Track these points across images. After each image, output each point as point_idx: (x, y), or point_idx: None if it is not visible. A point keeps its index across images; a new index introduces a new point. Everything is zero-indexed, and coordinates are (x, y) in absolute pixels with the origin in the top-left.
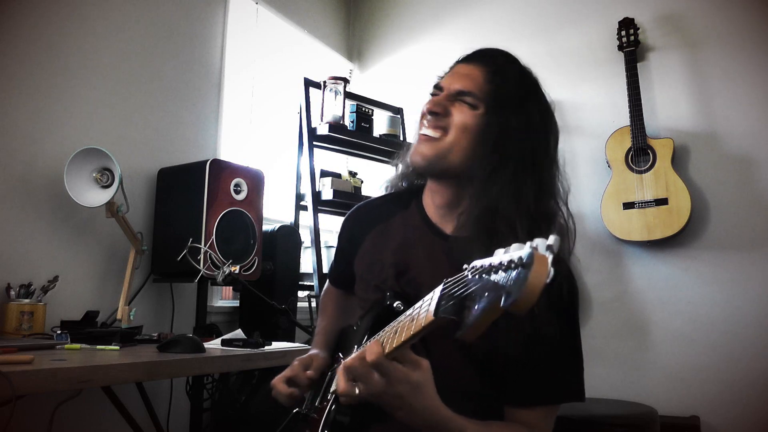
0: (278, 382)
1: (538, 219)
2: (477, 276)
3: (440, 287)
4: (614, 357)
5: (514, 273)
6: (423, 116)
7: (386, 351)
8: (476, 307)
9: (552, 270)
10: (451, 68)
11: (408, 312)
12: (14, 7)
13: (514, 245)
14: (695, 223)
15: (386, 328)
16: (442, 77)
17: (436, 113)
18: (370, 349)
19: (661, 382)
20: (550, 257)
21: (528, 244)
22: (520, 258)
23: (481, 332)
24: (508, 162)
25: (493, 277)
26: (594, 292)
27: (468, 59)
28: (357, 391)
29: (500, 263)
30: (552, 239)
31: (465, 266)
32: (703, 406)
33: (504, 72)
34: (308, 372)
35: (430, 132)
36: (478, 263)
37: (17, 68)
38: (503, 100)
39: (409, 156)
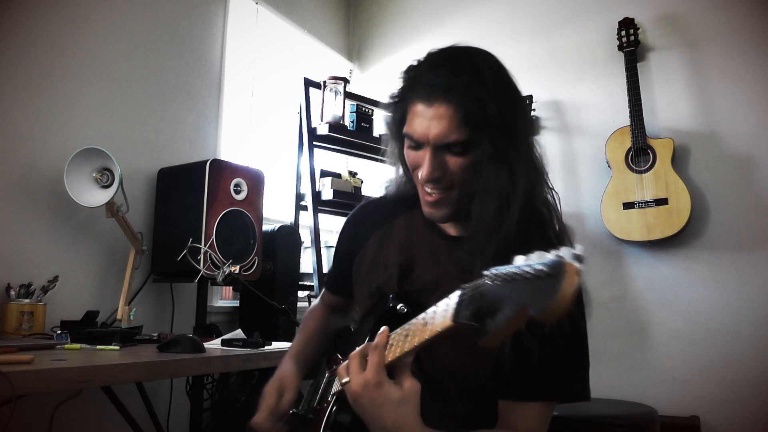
0: (263, 421)
1: (540, 207)
2: (498, 282)
3: (458, 292)
4: (614, 357)
5: (542, 283)
6: (422, 183)
7: (398, 354)
8: (500, 315)
9: (580, 279)
10: (410, 106)
11: (420, 316)
12: (14, 7)
13: (536, 253)
14: (695, 223)
15: (396, 331)
16: (396, 110)
17: (436, 179)
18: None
19: (661, 382)
20: (578, 266)
21: (553, 252)
22: (550, 267)
23: (503, 339)
24: (509, 169)
25: (516, 285)
26: (594, 292)
27: (427, 98)
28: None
29: (525, 272)
30: (579, 248)
31: (485, 272)
32: (703, 406)
33: (477, 98)
34: (285, 395)
35: (436, 195)
36: (500, 270)
37: (17, 68)
38: (487, 130)
39: (423, 207)
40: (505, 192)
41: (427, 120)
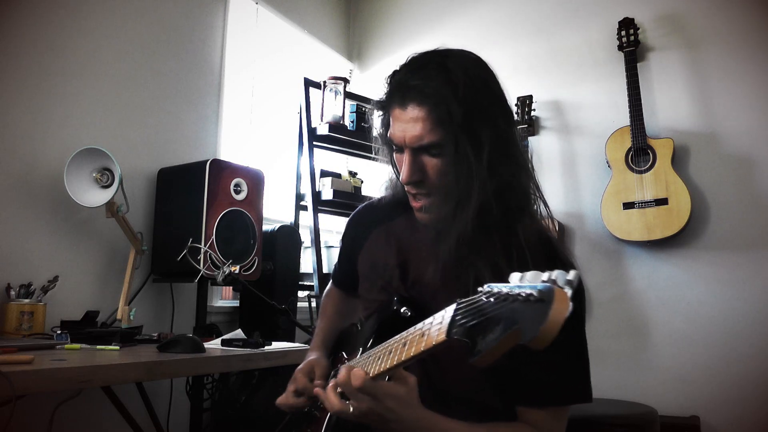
0: (288, 397)
1: (523, 205)
2: (491, 300)
3: (453, 306)
4: (614, 357)
5: (533, 307)
6: (404, 179)
7: (396, 363)
8: (491, 336)
9: (571, 305)
10: (391, 110)
11: (419, 325)
12: (14, 7)
13: (530, 273)
14: (695, 223)
15: (395, 338)
16: (382, 115)
17: (416, 181)
18: (355, 374)
19: (661, 382)
20: (569, 293)
21: (547, 274)
22: (540, 292)
23: (493, 360)
24: (468, 170)
25: (510, 306)
26: (594, 292)
27: (402, 101)
28: (351, 409)
29: (518, 294)
30: (572, 274)
31: (480, 288)
32: (703, 406)
33: (445, 99)
34: (316, 382)
35: (420, 202)
36: (494, 288)
37: (17, 68)
38: (461, 131)
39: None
40: (464, 193)
41: (404, 123)
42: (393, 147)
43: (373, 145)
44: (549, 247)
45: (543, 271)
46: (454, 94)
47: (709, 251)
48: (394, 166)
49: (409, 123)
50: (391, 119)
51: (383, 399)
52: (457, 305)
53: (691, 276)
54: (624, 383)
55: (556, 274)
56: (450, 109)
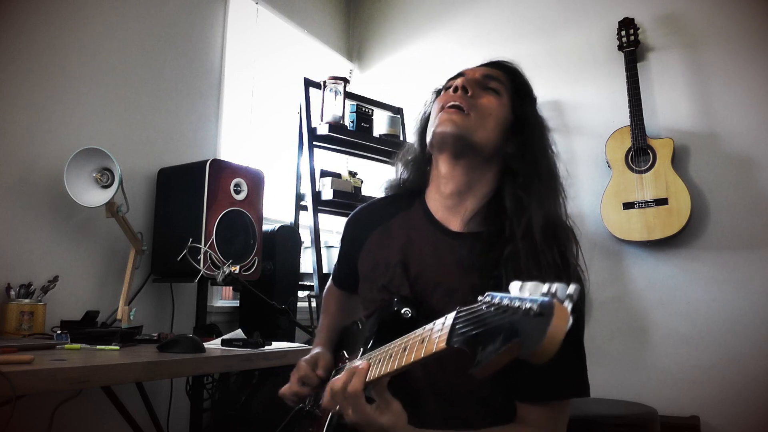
0: (292, 386)
1: (550, 221)
2: (491, 310)
3: (453, 314)
4: (614, 357)
5: (533, 321)
6: (451, 93)
7: (396, 367)
8: (491, 347)
9: (571, 320)
10: (466, 69)
11: (418, 332)
12: (14, 7)
13: (531, 284)
14: (695, 223)
15: (396, 342)
16: (454, 78)
17: (467, 90)
18: (353, 383)
19: (661, 382)
20: (569, 307)
21: (547, 287)
22: (540, 306)
23: (492, 371)
24: (522, 157)
25: (510, 318)
26: (594, 292)
27: (486, 65)
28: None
29: (518, 307)
30: (572, 288)
31: (480, 297)
32: (703, 406)
33: (519, 75)
34: (318, 372)
35: (459, 105)
36: (495, 298)
37: (17, 68)
38: (522, 96)
39: (435, 127)
40: (516, 182)
41: (479, 68)
42: (446, 85)
43: (382, 147)
44: (560, 248)
45: (549, 276)
46: (524, 82)
47: (709, 251)
48: (426, 120)
49: (484, 73)
50: (461, 72)
51: (373, 421)
52: (457, 313)
53: (691, 276)
54: (624, 383)
55: (556, 286)
56: (522, 81)
